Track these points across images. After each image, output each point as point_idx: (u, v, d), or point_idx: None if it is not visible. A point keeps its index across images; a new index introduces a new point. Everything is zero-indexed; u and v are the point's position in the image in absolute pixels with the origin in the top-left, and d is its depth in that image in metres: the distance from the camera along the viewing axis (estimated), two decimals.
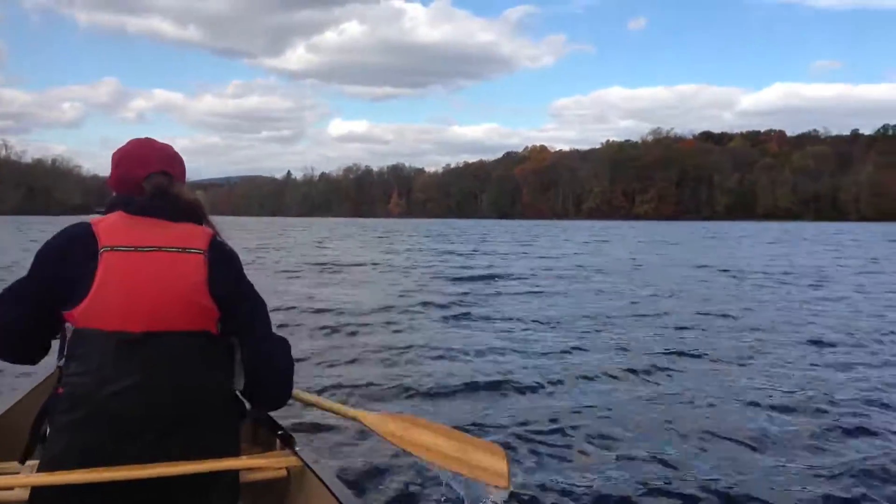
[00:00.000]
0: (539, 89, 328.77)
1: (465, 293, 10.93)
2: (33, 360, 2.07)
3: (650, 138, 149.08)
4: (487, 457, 2.39)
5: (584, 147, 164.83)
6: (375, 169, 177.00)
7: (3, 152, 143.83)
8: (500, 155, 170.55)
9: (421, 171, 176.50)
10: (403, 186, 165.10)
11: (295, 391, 2.28)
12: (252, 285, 2.10)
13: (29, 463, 2.01)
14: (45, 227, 47.82)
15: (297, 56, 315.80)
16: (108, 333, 1.86)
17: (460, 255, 22.70)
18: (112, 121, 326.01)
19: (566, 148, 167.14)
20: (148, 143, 2.18)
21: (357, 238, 37.91)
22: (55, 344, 2.02)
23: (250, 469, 2.12)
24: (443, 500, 3.34)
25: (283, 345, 2.16)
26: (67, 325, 1.92)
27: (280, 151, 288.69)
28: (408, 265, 17.75)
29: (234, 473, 2.01)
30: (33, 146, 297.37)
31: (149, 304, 1.89)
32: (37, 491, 1.84)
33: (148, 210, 2.01)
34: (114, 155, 2.17)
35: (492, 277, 13.62)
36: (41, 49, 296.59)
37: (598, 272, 15.52)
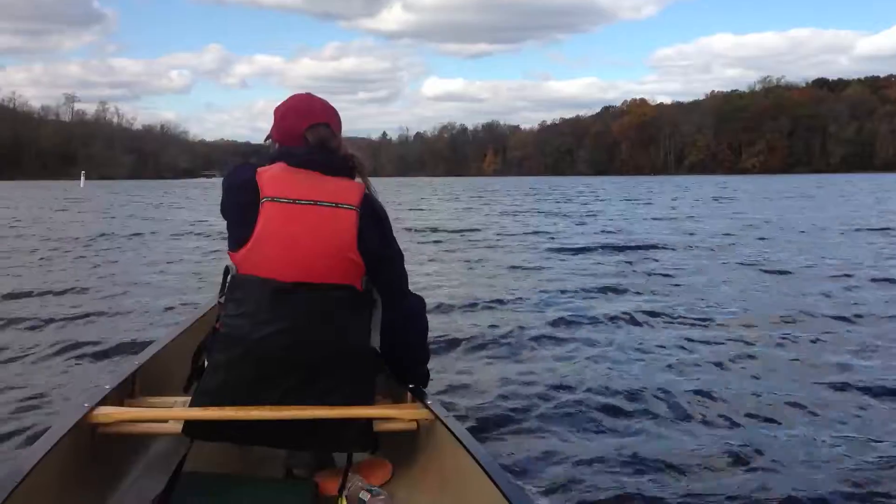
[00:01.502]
0: (639, 40, 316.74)
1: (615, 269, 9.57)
2: None
3: (759, 87, 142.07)
4: None
5: (687, 99, 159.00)
6: (470, 127, 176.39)
7: (116, 119, 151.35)
8: (597, 110, 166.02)
9: (516, 128, 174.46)
10: (498, 144, 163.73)
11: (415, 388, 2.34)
12: (395, 241, 2.23)
13: (186, 396, 2.17)
14: (140, 192, 49.90)
15: (394, 16, 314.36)
16: (264, 280, 2.00)
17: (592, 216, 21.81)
18: (217, 86, 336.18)
19: (667, 100, 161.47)
20: (308, 97, 2.31)
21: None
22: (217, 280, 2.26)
23: (382, 419, 2.18)
24: (577, 461, 3.12)
25: (419, 304, 2.31)
26: (229, 264, 2.09)
27: (376, 112, 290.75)
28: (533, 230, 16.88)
29: (369, 421, 2.11)
30: (143, 113, 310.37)
31: (302, 256, 2.01)
32: (190, 422, 2.02)
33: (307, 163, 2.11)
34: (276, 110, 2.29)
35: (644, 247, 11.78)
36: (150, 18, 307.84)
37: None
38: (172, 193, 48.05)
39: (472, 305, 6.65)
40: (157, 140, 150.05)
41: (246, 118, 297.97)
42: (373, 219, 2.11)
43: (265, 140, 2.37)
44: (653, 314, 6.15)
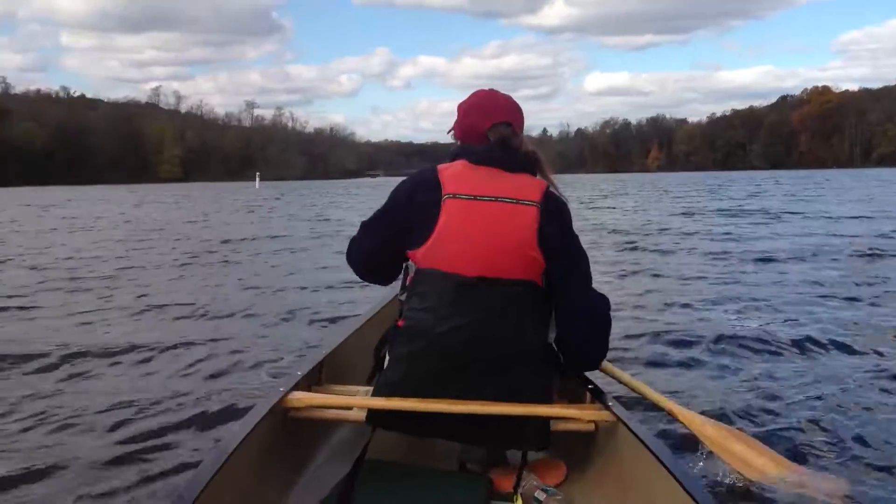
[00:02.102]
0: (822, 24, 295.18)
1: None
2: (385, 282, 2.37)
3: None
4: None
5: (876, 85, 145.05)
6: (633, 122, 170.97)
7: (291, 124, 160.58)
8: (773, 100, 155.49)
9: (683, 121, 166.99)
10: (663, 139, 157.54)
11: (604, 364, 2.38)
12: (577, 238, 2.15)
13: (368, 386, 2.25)
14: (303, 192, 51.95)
15: (556, 11, 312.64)
16: (447, 275, 2.01)
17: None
18: (382, 89, 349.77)
19: (854, 87, 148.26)
20: (492, 94, 2.31)
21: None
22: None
23: (559, 418, 2.15)
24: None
25: (602, 302, 2.21)
26: (409, 263, 2.15)
27: (537, 109, 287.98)
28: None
29: (545, 420, 2.09)
30: (314, 117, 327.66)
31: (483, 252, 2.01)
32: (373, 412, 2.09)
33: (488, 160, 2.11)
34: (460, 106, 2.31)
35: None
36: (323, 26, 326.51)
37: None
38: (337, 193, 49.54)
39: (661, 327, 5.59)
40: (327, 142, 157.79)
41: (409, 119, 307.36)
42: (554, 215, 2.08)
43: (447, 133, 2.36)
44: None
